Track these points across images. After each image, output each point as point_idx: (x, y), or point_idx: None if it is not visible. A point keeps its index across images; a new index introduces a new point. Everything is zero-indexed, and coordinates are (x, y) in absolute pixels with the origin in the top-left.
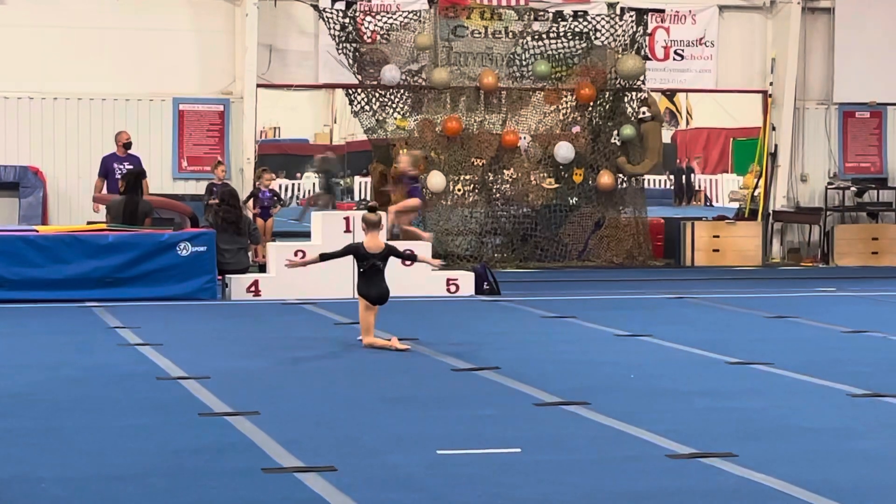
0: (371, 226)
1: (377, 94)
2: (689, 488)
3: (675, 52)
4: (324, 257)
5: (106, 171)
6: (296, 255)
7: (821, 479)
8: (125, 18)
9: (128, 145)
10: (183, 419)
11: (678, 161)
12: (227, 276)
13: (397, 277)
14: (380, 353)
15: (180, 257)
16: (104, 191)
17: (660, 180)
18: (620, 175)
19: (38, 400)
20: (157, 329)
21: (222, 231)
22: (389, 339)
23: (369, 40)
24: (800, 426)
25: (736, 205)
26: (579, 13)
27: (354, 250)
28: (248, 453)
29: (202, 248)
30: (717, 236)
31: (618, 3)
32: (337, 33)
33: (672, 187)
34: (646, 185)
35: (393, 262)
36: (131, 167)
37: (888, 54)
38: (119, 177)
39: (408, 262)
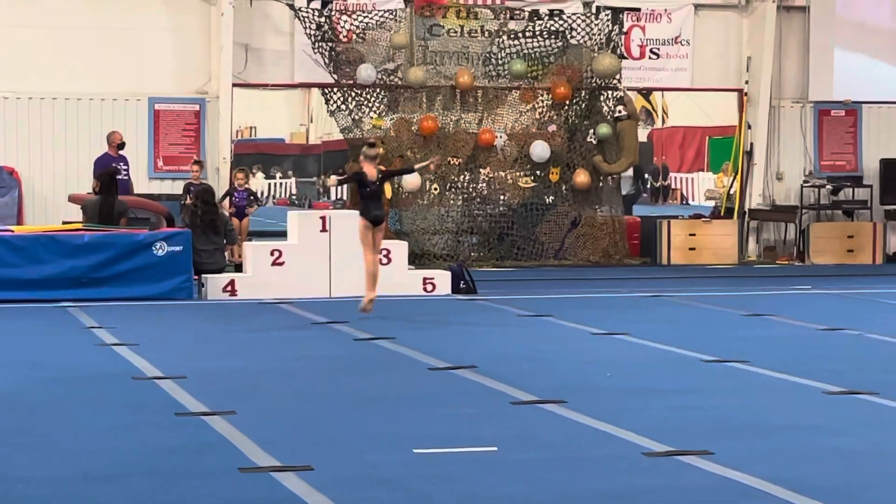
0: (369, 158)
1: (353, 94)
2: (666, 486)
3: (651, 51)
4: (340, 182)
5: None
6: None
7: (797, 476)
8: (100, 18)
9: (121, 146)
10: (159, 419)
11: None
12: (203, 275)
13: None
14: (355, 352)
15: (156, 257)
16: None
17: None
18: (599, 174)
19: (13, 400)
20: (133, 329)
21: (199, 231)
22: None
23: (345, 39)
24: (776, 424)
25: (712, 203)
26: (555, 12)
27: (359, 178)
28: (225, 453)
29: (178, 248)
30: (694, 235)
31: (593, 1)
32: (313, 32)
33: (649, 186)
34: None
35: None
36: (109, 168)
37: (863, 53)
38: (122, 177)
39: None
